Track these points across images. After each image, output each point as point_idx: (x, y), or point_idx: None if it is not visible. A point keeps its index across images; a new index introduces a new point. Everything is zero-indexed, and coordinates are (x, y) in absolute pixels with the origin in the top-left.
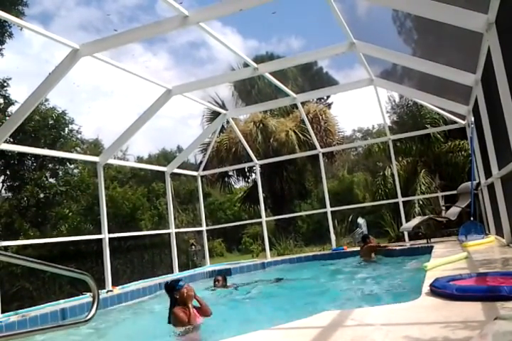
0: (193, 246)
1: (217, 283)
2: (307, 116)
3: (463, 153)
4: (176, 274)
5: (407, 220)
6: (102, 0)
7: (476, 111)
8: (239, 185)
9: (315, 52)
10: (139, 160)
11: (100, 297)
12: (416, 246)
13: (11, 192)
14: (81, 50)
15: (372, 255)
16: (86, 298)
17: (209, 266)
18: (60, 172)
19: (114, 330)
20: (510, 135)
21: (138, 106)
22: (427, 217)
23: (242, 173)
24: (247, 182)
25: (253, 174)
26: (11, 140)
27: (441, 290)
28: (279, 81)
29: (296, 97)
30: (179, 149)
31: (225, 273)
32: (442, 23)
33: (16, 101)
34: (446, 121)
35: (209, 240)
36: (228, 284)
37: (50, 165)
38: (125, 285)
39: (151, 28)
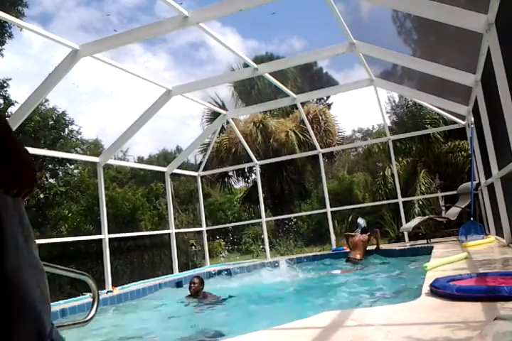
0: (193, 247)
1: (192, 285)
2: (307, 117)
3: (463, 153)
4: (176, 274)
5: (407, 220)
6: (101, 1)
7: (475, 111)
8: (239, 185)
9: (315, 53)
10: (139, 160)
11: (100, 297)
12: (416, 246)
13: None
14: (81, 50)
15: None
16: (86, 298)
17: (209, 267)
18: (60, 173)
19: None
20: (510, 135)
21: (138, 106)
22: (426, 217)
23: (242, 174)
24: (247, 182)
25: (253, 174)
26: None
27: (441, 290)
28: (279, 81)
29: (296, 98)
30: (179, 149)
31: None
32: (442, 24)
33: (15, 102)
34: (446, 122)
35: (209, 240)
36: (204, 294)
37: (50, 166)
38: (125, 286)
39: (151, 29)
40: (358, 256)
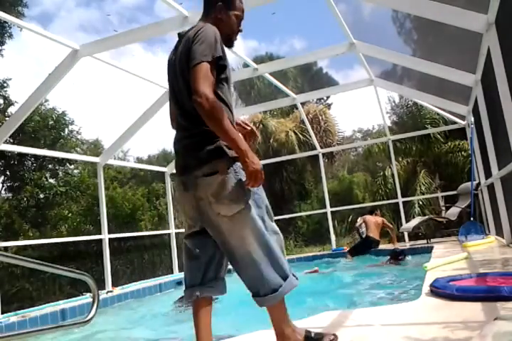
0: None
1: None
2: (307, 117)
3: (463, 153)
4: (176, 275)
5: (407, 220)
6: (101, 1)
7: (475, 111)
8: None
9: (315, 53)
10: (139, 160)
11: (100, 297)
12: (416, 246)
13: (11, 193)
14: (81, 50)
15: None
16: (86, 298)
17: None
18: (60, 173)
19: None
20: (510, 135)
21: (138, 106)
22: (427, 217)
23: None
24: None
25: None
26: (11, 140)
27: (442, 290)
28: (279, 81)
29: (295, 98)
30: None
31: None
32: (442, 24)
33: (15, 102)
34: (446, 122)
35: None
36: None
37: (49, 166)
38: (125, 286)
39: (151, 29)
40: (377, 238)
